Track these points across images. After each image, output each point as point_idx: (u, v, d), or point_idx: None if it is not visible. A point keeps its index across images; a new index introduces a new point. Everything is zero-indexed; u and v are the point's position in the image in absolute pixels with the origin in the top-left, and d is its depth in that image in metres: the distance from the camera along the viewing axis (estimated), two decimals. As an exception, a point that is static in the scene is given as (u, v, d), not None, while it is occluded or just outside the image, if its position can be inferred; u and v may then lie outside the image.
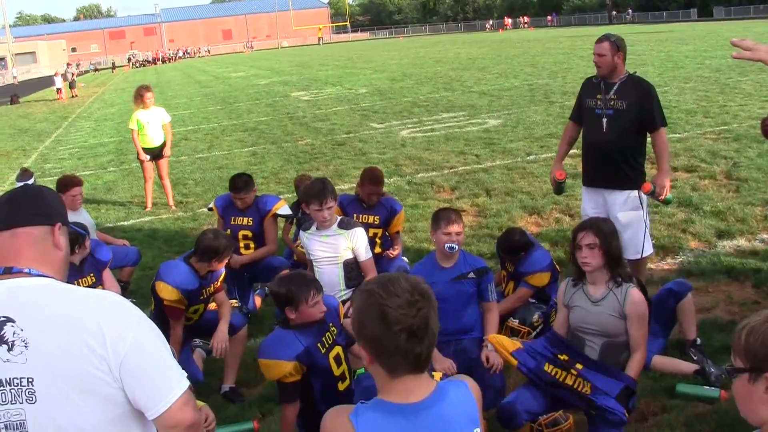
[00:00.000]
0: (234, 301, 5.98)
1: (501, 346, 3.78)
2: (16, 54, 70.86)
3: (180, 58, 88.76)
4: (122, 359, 1.86)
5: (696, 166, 9.68)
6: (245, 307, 6.05)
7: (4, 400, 1.84)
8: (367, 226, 5.43)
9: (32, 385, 1.83)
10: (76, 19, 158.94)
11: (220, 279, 4.98)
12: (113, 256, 5.67)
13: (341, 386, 3.79)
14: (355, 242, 4.89)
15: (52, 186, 6.29)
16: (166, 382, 1.93)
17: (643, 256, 5.28)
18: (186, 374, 2.01)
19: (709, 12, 71.97)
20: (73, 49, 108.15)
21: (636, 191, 5.19)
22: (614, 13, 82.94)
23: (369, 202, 5.91)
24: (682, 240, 6.98)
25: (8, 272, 1.92)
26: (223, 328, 4.72)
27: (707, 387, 4.27)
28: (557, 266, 5.40)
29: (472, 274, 4.33)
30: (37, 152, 17.73)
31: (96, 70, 78.97)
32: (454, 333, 4.37)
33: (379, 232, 5.93)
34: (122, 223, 9.74)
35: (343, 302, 4.87)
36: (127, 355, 1.86)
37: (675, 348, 4.82)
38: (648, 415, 4.13)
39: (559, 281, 4.90)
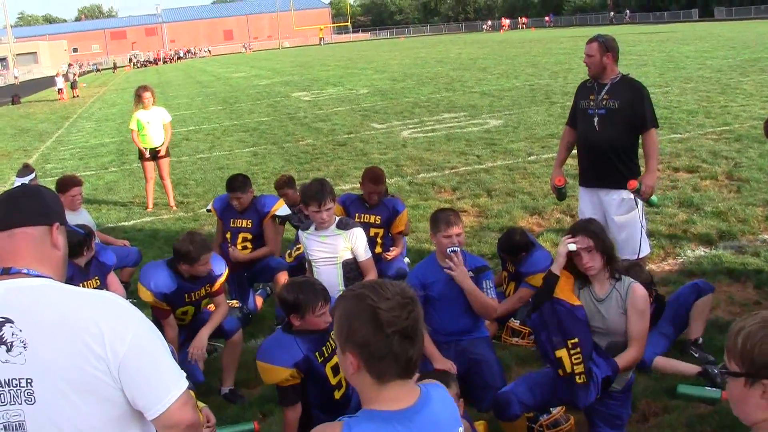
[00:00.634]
0: (235, 301, 5.98)
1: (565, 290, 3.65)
2: (18, 54, 70.94)
3: (181, 58, 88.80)
4: (121, 360, 1.85)
5: (697, 167, 9.67)
6: (246, 307, 6.04)
7: (3, 401, 1.83)
8: (368, 226, 5.43)
9: (31, 386, 1.83)
10: (78, 19, 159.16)
11: (218, 282, 4.89)
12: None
13: (337, 394, 3.79)
14: (354, 242, 4.88)
15: (53, 186, 6.29)
16: (164, 383, 1.93)
17: (641, 256, 5.28)
18: (185, 375, 2.00)
19: (710, 12, 71.98)
20: (75, 50, 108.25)
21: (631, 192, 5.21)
22: (611, 14, 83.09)
23: (370, 202, 5.92)
24: (684, 240, 6.97)
25: (6, 273, 1.92)
26: (202, 334, 4.66)
27: (708, 388, 4.27)
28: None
29: (471, 274, 4.33)
30: (38, 152, 17.75)
31: (98, 70, 79.05)
32: (454, 333, 4.37)
33: (381, 232, 5.92)
34: (123, 223, 9.74)
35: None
36: (126, 356, 1.86)
37: (675, 348, 4.82)
38: (649, 415, 4.12)
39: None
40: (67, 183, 6.59)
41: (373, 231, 5.81)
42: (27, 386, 1.82)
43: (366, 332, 1.81)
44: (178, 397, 1.93)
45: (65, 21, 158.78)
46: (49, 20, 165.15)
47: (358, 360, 1.83)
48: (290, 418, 3.72)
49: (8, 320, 1.84)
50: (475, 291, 4.25)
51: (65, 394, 1.83)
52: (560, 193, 5.73)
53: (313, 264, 4.99)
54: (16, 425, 1.84)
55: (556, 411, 3.95)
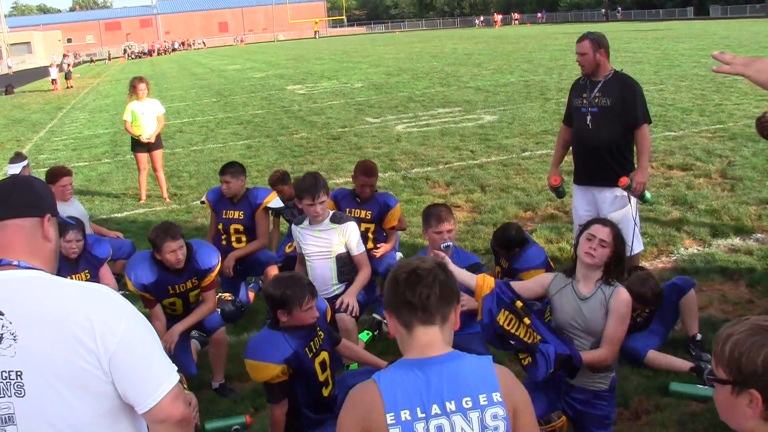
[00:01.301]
0: (227, 294, 5.96)
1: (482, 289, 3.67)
2: (11, 44, 70.45)
3: (176, 50, 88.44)
4: (112, 353, 1.84)
5: (691, 165, 9.69)
6: (238, 300, 6.02)
7: (-8, 393, 1.82)
8: (359, 221, 5.40)
9: (21, 379, 1.81)
10: (72, 9, 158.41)
11: (208, 277, 4.80)
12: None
13: (325, 392, 3.77)
14: (348, 236, 4.87)
15: (44, 177, 6.25)
16: (156, 377, 1.92)
17: (633, 253, 5.28)
18: (176, 368, 1.99)
19: (706, 10, 72.13)
20: (69, 40, 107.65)
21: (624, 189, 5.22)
22: (603, 11, 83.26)
23: (362, 195, 5.88)
24: (677, 238, 6.98)
25: (-3, 264, 1.90)
26: (175, 329, 4.60)
27: (701, 386, 4.27)
28: (552, 263, 5.39)
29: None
30: (31, 143, 17.66)
31: (92, 61, 78.67)
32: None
33: (372, 227, 5.88)
34: (116, 214, 9.70)
35: (336, 297, 4.86)
36: (117, 349, 1.84)
37: (669, 345, 4.83)
38: (641, 413, 4.13)
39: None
40: (57, 173, 6.55)
41: (363, 226, 5.76)
42: (17, 379, 1.81)
43: (387, 289, 2.17)
44: (169, 391, 1.92)
45: (59, 11, 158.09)
46: (43, 10, 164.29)
47: (389, 316, 2.15)
48: (277, 416, 3.70)
49: (-2, 312, 1.82)
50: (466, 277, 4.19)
51: (55, 387, 1.82)
52: (558, 192, 5.78)
53: (306, 258, 4.97)
54: (5, 418, 1.82)
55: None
